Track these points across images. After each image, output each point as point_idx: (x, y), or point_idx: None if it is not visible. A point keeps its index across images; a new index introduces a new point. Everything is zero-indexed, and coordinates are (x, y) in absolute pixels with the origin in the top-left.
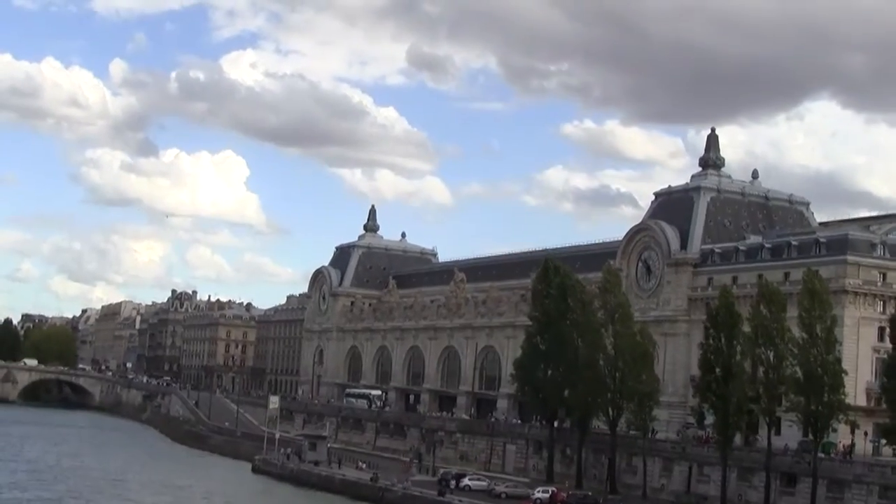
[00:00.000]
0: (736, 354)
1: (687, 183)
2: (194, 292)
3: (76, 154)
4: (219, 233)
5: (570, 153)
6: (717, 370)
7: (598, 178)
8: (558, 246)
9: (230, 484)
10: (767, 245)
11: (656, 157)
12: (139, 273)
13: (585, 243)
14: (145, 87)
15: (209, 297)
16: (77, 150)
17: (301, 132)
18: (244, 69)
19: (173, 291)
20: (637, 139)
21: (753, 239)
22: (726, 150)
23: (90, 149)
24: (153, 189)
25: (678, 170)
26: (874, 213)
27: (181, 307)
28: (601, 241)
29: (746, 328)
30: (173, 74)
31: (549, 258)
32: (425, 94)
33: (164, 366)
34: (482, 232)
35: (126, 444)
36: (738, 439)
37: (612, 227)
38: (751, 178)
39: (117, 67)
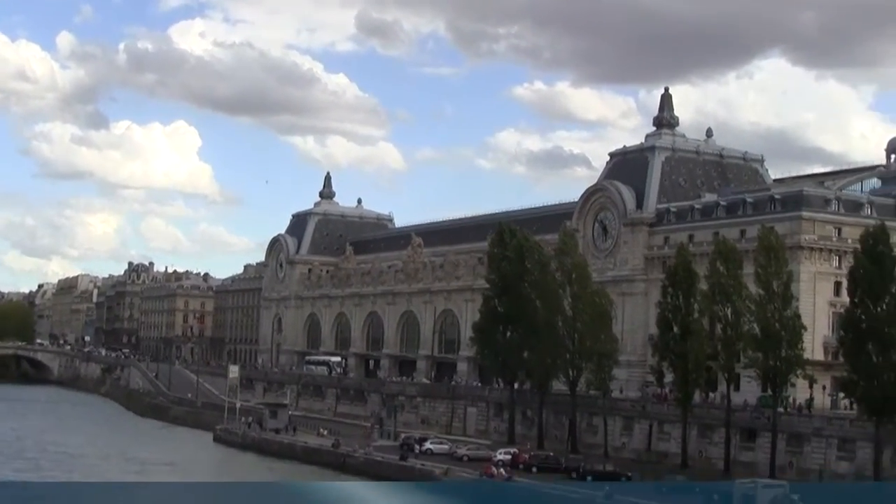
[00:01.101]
0: (693, 312)
1: (641, 143)
2: (151, 264)
3: (26, 128)
4: (173, 204)
5: (521, 115)
6: (675, 328)
7: (550, 139)
8: (514, 209)
9: (192, 454)
10: (723, 203)
11: (608, 118)
12: (94, 246)
13: (541, 205)
14: (94, 59)
15: (166, 268)
16: (26, 124)
17: (252, 101)
18: (193, 39)
19: (130, 264)
20: (588, 100)
21: (709, 197)
22: (678, 110)
23: (40, 123)
24: (105, 162)
25: (630, 129)
26: (827, 169)
27: (138, 279)
28: (557, 202)
29: (703, 286)
30: (121, 46)
31: (504, 222)
32: (376, 60)
33: (122, 338)
34: (437, 196)
35: (86, 417)
36: (697, 396)
37: (566, 188)
38: (705, 137)
39: (64, 40)
